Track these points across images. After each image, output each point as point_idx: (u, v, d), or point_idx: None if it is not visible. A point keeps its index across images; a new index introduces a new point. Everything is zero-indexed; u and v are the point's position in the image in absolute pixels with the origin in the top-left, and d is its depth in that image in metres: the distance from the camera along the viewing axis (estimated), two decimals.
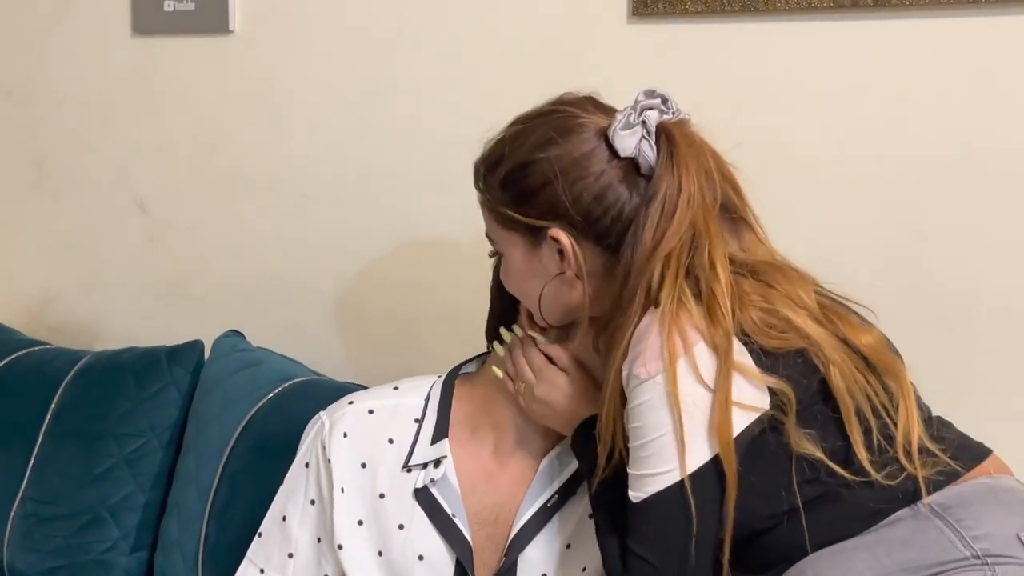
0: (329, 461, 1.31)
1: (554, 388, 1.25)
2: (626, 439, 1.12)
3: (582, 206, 1.14)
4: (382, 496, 1.30)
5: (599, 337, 1.18)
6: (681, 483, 1.06)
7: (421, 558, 1.28)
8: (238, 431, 1.64)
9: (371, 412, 1.34)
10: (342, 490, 1.31)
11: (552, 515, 1.29)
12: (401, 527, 1.29)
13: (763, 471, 1.09)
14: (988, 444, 1.16)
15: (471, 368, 1.38)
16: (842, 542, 1.09)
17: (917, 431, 1.09)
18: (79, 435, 1.76)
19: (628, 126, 1.13)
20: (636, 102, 1.15)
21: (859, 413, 1.09)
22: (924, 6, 1.42)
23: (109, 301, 2.11)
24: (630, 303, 1.11)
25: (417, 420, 1.33)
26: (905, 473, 1.08)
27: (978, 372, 1.46)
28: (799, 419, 1.08)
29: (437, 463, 1.29)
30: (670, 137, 1.13)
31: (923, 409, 1.15)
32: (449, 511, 1.28)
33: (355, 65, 1.82)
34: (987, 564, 1.03)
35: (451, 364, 1.39)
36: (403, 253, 1.81)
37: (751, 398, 1.07)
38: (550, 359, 1.26)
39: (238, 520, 1.58)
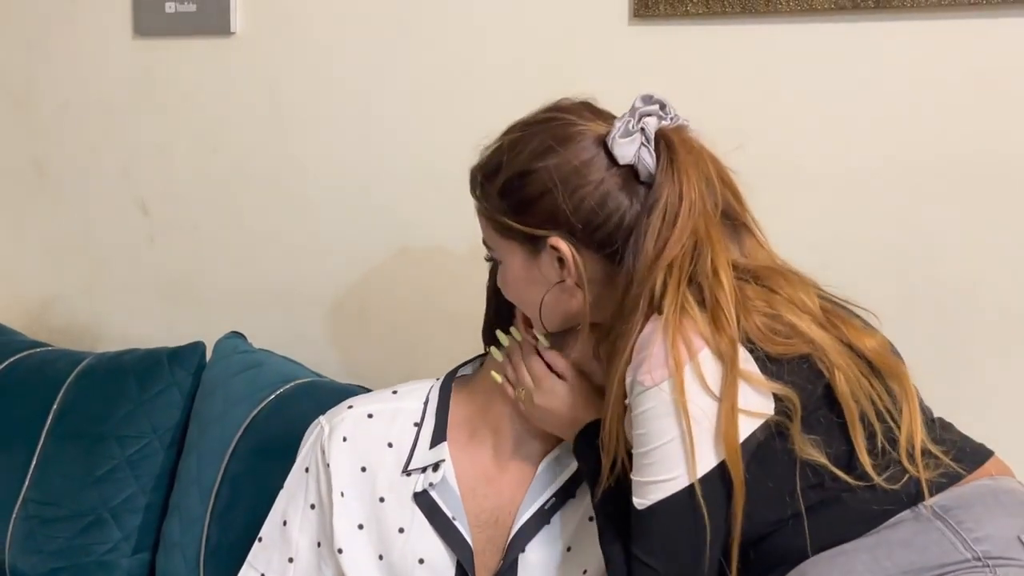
0: (328, 465, 1.31)
1: (554, 395, 1.25)
2: (629, 446, 1.12)
3: (582, 215, 1.13)
4: (382, 500, 1.30)
5: (600, 344, 1.18)
6: (686, 490, 1.06)
7: (421, 561, 1.28)
8: (239, 432, 1.64)
9: (370, 416, 1.33)
10: (342, 494, 1.31)
11: (551, 517, 1.29)
12: (401, 531, 1.29)
13: (768, 477, 1.08)
14: (989, 446, 1.16)
15: (468, 371, 1.38)
16: (843, 544, 1.08)
17: (920, 434, 1.09)
18: (81, 436, 1.77)
19: (627, 133, 1.13)
20: (634, 108, 1.14)
21: (863, 417, 1.09)
22: (925, 7, 1.42)
23: (111, 303, 2.11)
24: (632, 311, 1.10)
25: (416, 424, 1.33)
26: (907, 476, 1.08)
27: (979, 374, 1.45)
28: (803, 424, 1.08)
29: (436, 467, 1.29)
30: (669, 144, 1.13)
31: (925, 412, 1.15)
32: (449, 514, 1.28)
33: (356, 66, 1.82)
34: (988, 566, 1.02)
35: (452, 366, 1.39)
36: (404, 255, 1.81)
37: (757, 405, 1.07)
38: (549, 366, 1.26)
39: (239, 521, 1.58)
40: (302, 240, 1.91)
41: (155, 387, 1.76)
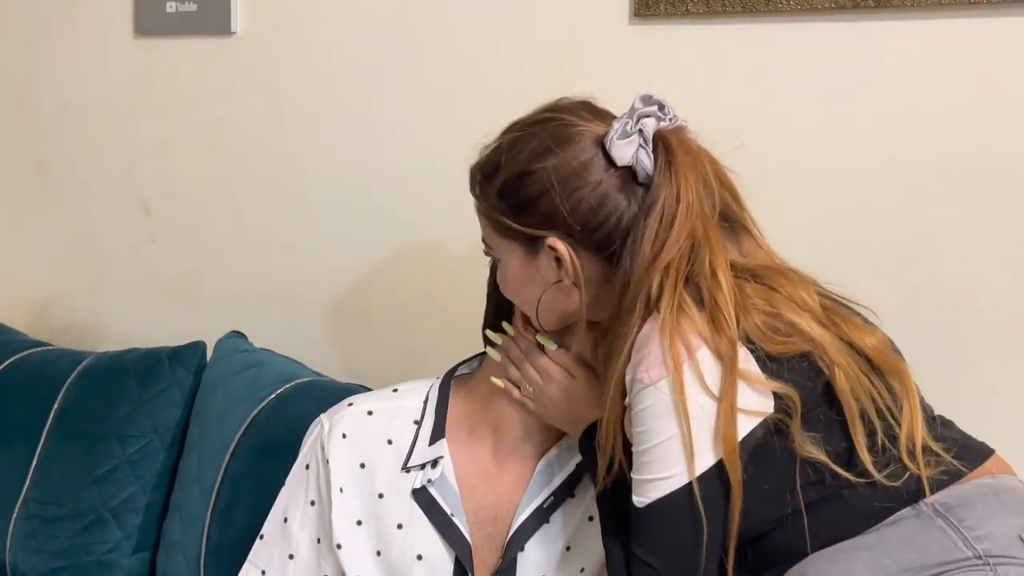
0: (328, 462, 1.31)
1: (561, 389, 1.25)
2: (628, 445, 1.13)
3: (580, 215, 1.14)
4: (381, 496, 1.30)
5: (598, 345, 1.18)
6: (685, 488, 1.06)
7: (420, 558, 1.28)
8: (240, 432, 1.64)
9: (370, 414, 1.34)
10: (341, 490, 1.31)
11: (549, 516, 1.29)
12: (400, 527, 1.29)
13: (768, 475, 1.09)
14: (989, 444, 1.16)
15: (467, 369, 1.38)
16: (843, 542, 1.08)
17: (921, 432, 1.09)
18: (81, 436, 1.77)
19: (625, 135, 1.13)
20: (633, 109, 1.14)
21: (863, 415, 1.09)
22: (925, 6, 1.42)
23: (111, 302, 2.11)
24: (630, 312, 1.11)
25: (416, 422, 1.33)
26: (908, 473, 1.08)
27: (979, 373, 1.45)
28: (803, 422, 1.08)
29: (435, 463, 1.29)
30: (667, 145, 1.13)
31: (926, 409, 1.15)
32: (448, 510, 1.28)
33: (357, 66, 1.82)
34: (988, 564, 1.02)
35: (452, 365, 1.39)
36: (404, 254, 1.81)
37: (756, 403, 1.07)
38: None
39: (240, 521, 1.58)
40: (303, 240, 1.91)
41: (156, 386, 1.76)
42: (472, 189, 1.23)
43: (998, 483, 1.11)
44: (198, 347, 1.80)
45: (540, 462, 1.31)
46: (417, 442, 1.31)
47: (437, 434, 1.31)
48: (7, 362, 1.92)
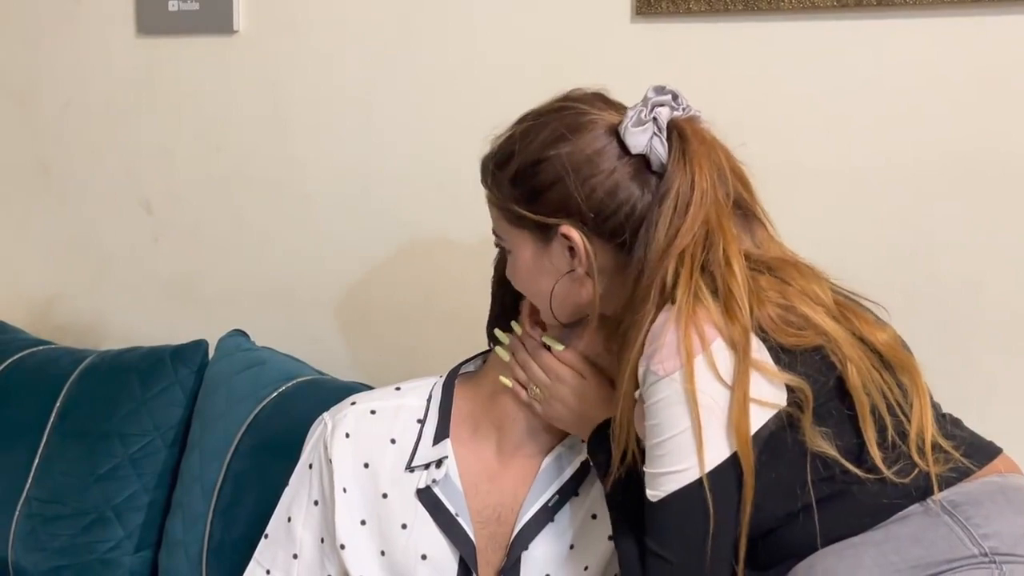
0: (331, 461, 1.31)
1: (570, 390, 1.24)
2: (640, 439, 1.12)
3: (593, 203, 1.13)
4: (385, 496, 1.30)
5: (610, 337, 1.17)
6: (699, 481, 1.06)
7: (424, 558, 1.28)
8: (242, 430, 1.65)
9: (373, 413, 1.34)
10: (344, 490, 1.31)
11: (553, 515, 1.29)
12: (404, 527, 1.29)
13: (779, 469, 1.08)
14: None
15: (471, 367, 1.38)
16: (851, 538, 1.08)
17: (931, 429, 1.09)
18: (84, 434, 1.77)
19: (640, 123, 1.12)
20: (647, 98, 1.14)
21: (874, 411, 1.09)
22: (928, 4, 1.42)
23: (114, 301, 2.11)
24: (644, 301, 1.10)
25: (419, 421, 1.33)
26: (917, 470, 1.08)
27: (982, 372, 1.45)
28: (814, 416, 1.07)
29: (439, 463, 1.29)
30: (682, 134, 1.13)
31: (935, 407, 1.15)
32: (452, 510, 1.28)
33: (360, 64, 1.82)
34: (995, 563, 1.02)
35: (453, 364, 1.39)
36: (406, 252, 1.81)
37: (769, 395, 1.07)
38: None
39: (242, 519, 1.58)
40: (304, 239, 1.91)
41: (158, 385, 1.76)
42: (484, 180, 1.22)
43: (1006, 482, 1.11)
44: (200, 346, 1.80)
45: (545, 460, 1.31)
46: (421, 441, 1.31)
47: (441, 433, 1.31)
48: (9, 360, 1.92)
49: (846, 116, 1.49)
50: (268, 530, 1.38)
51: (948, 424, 1.14)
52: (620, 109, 1.17)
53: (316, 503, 1.34)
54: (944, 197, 1.45)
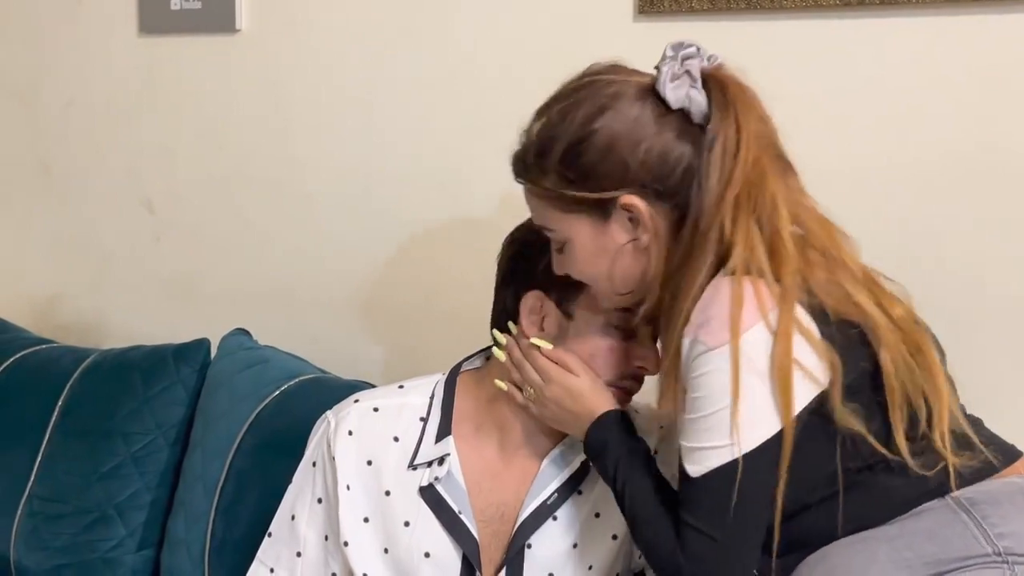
0: (334, 459, 1.31)
1: (564, 389, 1.23)
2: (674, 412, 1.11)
3: (648, 167, 1.11)
4: (388, 493, 1.30)
5: (667, 310, 1.13)
6: (744, 456, 1.05)
7: (427, 555, 1.28)
8: (244, 429, 1.65)
9: (376, 410, 1.34)
10: (347, 487, 1.31)
11: (555, 512, 1.29)
12: (407, 524, 1.29)
13: (810, 450, 1.07)
14: None
15: (475, 363, 1.38)
16: (865, 532, 1.08)
17: (961, 422, 1.09)
18: (86, 433, 1.77)
19: (675, 77, 1.11)
20: (675, 54, 1.13)
21: (905, 399, 1.08)
22: (931, 4, 1.42)
23: (116, 300, 2.11)
24: (701, 254, 1.08)
25: (422, 419, 1.33)
26: (940, 464, 1.07)
27: (986, 373, 1.45)
28: (846, 394, 1.07)
29: (441, 461, 1.29)
30: (719, 81, 1.12)
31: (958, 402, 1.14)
32: (455, 508, 1.28)
33: (361, 64, 1.82)
34: (1007, 563, 1.02)
35: (455, 362, 1.39)
36: (408, 251, 1.81)
37: (815, 372, 1.06)
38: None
39: (245, 518, 1.59)
40: (306, 237, 1.91)
41: (160, 384, 1.76)
42: (523, 174, 1.19)
43: None
44: (202, 344, 1.80)
45: (547, 458, 1.31)
46: (423, 439, 1.31)
47: (443, 431, 1.31)
48: (12, 359, 1.92)
49: (848, 115, 1.49)
50: (272, 528, 1.38)
51: (971, 423, 1.13)
52: (640, 73, 1.16)
53: (320, 501, 1.34)
54: (946, 196, 1.45)
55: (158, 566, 1.71)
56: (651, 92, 1.13)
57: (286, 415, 1.62)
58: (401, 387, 1.37)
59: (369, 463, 1.31)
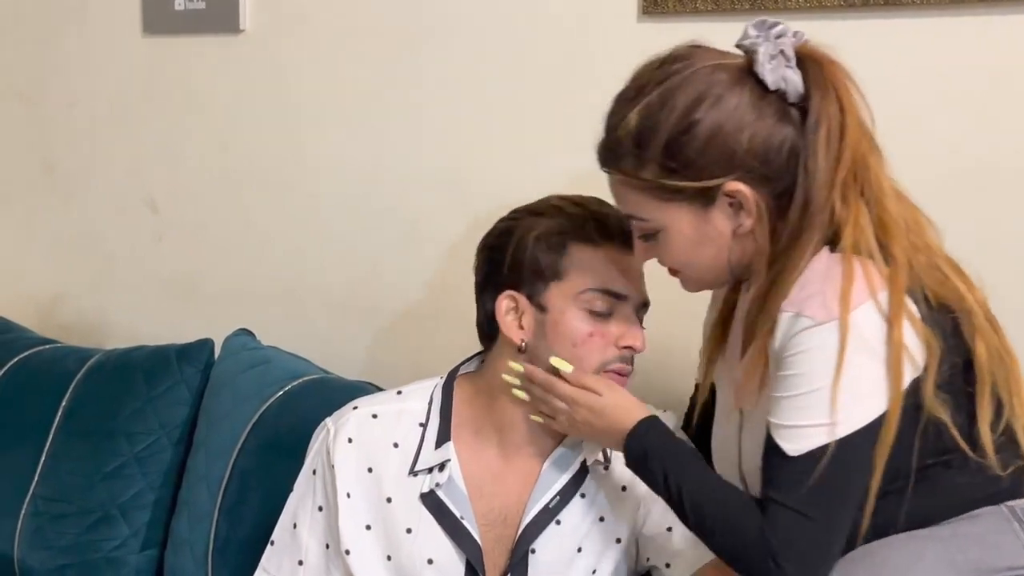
0: (333, 467, 1.31)
1: (590, 411, 1.21)
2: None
3: (754, 152, 1.09)
4: (389, 500, 1.30)
5: (768, 289, 1.11)
6: (849, 436, 1.03)
7: (430, 562, 1.28)
8: (248, 429, 1.65)
9: (375, 417, 1.33)
10: (348, 495, 1.31)
11: (556, 515, 1.28)
12: (409, 531, 1.29)
13: (900, 435, 1.06)
14: None
15: (470, 367, 1.38)
16: (916, 531, 1.07)
17: None
18: (89, 433, 1.77)
19: (771, 57, 1.09)
20: (763, 33, 1.11)
21: (993, 391, 1.07)
22: (935, 4, 1.42)
23: (119, 300, 2.12)
24: (810, 232, 1.07)
25: (421, 424, 1.32)
26: (1013, 466, 1.06)
27: None
28: (938, 382, 1.06)
29: (442, 467, 1.29)
30: (815, 60, 1.10)
31: None
32: (457, 513, 1.28)
33: (365, 64, 1.82)
34: None
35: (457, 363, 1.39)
36: (413, 252, 1.81)
37: (915, 354, 1.05)
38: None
39: (248, 517, 1.59)
40: (310, 238, 1.91)
41: (164, 384, 1.76)
42: (612, 164, 1.15)
43: None
44: (206, 345, 1.80)
45: (546, 461, 1.30)
46: (423, 445, 1.31)
47: (443, 437, 1.30)
48: (15, 359, 1.92)
49: None
50: (274, 536, 1.38)
51: None
52: (724, 54, 1.14)
53: (320, 509, 1.34)
54: (952, 197, 1.44)
55: (161, 566, 1.71)
56: (747, 74, 1.10)
57: (289, 415, 1.62)
58: (400, 392, 1.36)
59: (370, 470, 1.31)
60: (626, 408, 1.20)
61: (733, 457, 1.21)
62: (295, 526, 1.35)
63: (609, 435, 1.21)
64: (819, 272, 1.06)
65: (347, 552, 1.30)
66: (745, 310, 1.16)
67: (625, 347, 1.25)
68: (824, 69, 1.10)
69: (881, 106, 1.46)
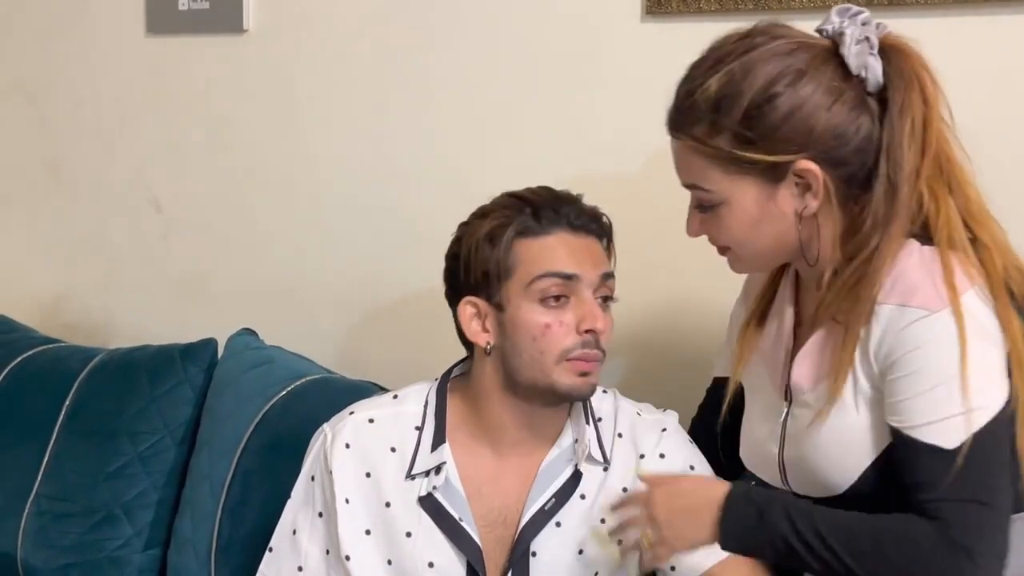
0: (331, 472, 1.31)
1: (668, 496, 1.15)
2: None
3: (830, 133, 1.08)
4: (388, 505, 1.30)
5: (849, 277, 1.10)
6: (996, 419, 1.03)
7: (431, 565, 1.28)
8: (251, 428, 1.65)
9: (372, 421, 1.33)
10: (346, 501, 1.31)
11: (554, 516, 1.28)
12: (409, 535, 1.28)
13: None
14: None
15: (461, 370, 1.37)
16: None
17: None
18: (93, 432, 1.77)
19: (858, 42, 1.09)
20: (852, 19, 1.10)
21: None
22: (940, 4, 1.42)
23: (123, 299, 2.12)
24: (898, 221, 1.07)
25: (417, 428, 1.32)
26: None
27: None
28: None
29: (438, 469, 1.29)
30: (898, 50, 1.10)
31: None
32: (456, 515, 1.28)
33: (369, 63, 1.82)
34: None
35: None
36: (416, 252, 1.81)
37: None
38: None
39: (251, 517, 1.59)
40: (314, 238, 1.91)
41: (167, 383, 1.76)
42: (683, 129, 1.13)
43: None
44: (209, 344, 1.80)
45: (543, 462, 1.30)
46: (420, 449, 1.30)
47: (439, 439, 1.30)
48: (19, 359, 1.92)
49: None
50: (272, 543, 1.37)
51: None
52: (807, 35, 1.14)
53: (320, 515, 1.33)
54: None
55: (165, 565, 1.71)
56: (830, 57, 1.10)
57: (293, 415, 1.62)
58: (395, 396, 1.36)
59: (368, 475, 1.31)
60: (702, 481, 1.18)
61: (772, 451, 1.21)
62: (295, 532, 1.35)
63: (699, 515, 1.12)
64: (915, 264, 1.07)
65: (347, 558, 1.29)
66: (819, 299, 1.14)
67: (587, 331, 1.23)
68: (909, 60, 1.09)
69: None
